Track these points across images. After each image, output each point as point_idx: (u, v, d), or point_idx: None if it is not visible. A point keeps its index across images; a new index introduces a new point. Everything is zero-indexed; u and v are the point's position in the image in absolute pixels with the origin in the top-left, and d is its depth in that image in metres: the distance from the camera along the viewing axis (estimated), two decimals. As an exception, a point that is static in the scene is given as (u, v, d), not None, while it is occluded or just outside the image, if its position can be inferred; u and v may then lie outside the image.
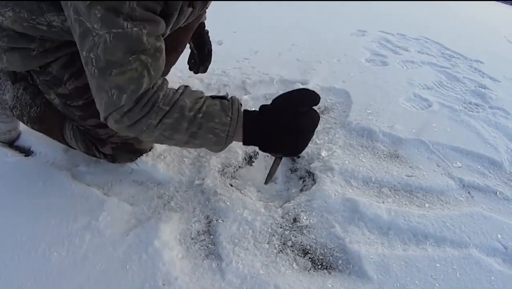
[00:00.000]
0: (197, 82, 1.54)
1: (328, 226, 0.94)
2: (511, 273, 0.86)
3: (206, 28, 1.26)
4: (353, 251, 0.87)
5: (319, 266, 0.86)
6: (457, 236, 0.92)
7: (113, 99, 0.66)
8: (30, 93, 0.98)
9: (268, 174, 0.95)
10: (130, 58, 0.63)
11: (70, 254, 0.82)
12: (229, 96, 0.78)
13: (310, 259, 0.87)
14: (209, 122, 0.72)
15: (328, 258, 0.88)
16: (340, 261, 0.87)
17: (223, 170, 1.12)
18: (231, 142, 0.77)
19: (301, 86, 1.50)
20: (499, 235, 0.95)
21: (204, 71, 1.30)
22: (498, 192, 1.10)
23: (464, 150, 1.26)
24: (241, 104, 0.78)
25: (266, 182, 0.98)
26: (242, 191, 1.04)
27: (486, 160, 1.24)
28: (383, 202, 1.02)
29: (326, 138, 1.28)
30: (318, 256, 0.88)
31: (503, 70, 2.10)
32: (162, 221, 0.89)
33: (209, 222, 0.94)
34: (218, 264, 0.83)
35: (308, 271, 0.85)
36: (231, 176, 1.11)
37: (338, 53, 1.99)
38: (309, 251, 0.89)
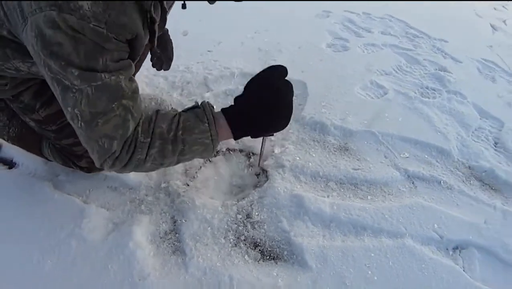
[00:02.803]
0: (162, 80, 1.59)
1: (276, 221, 1.03)
2: (444, 261, 0.97)
3: (166, 27, 1.26)
4: (297, 244, 0.97)
5: (268, 257, 0.96)
6: (394, 227, 1.02)
7: (104, 148, 0.72)
8: (6, 114, 1.04)
9: (260, 156, 1.13)
10: (113, 106, 0.69)
11: (61, 261, 0.92)
12: (199, 103, 0.84)
13: (260, 251, 0.97)
14: (190, 135, 0.78)
15: (275, 250, 0.98)
16: (285, 252, 0.97)
17: (186, 171, 1.20)
18: (219, 143, 0.84)
19: None
20: (435, 225, 1.04)
21: (167, 68, 1.34)
22: (442, 182, 1.19)
23: (413, 139, 1.34)
24: (212, 106, 0.83)
25: (259, 164, 1.18)
26: (202, 191, 1.13)
27: (435, 149, 1.32)
28: (328, 196, 1.10)
29: (280, 134, 1.34)
30: (267, 248, 0.98)
31: (467, 49, 2.16)
32: (134, 224, 0.99)
33: (175, 222, 1.04)
34: (182, 259, 0.94)
35: (258, 261, 0.95)
36: (193, 176, 1.18)
37: (300, 40, 2.02)
38: (259, 244, 0.99)
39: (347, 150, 1.29)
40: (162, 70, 1.36)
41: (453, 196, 1.15)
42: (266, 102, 0.80)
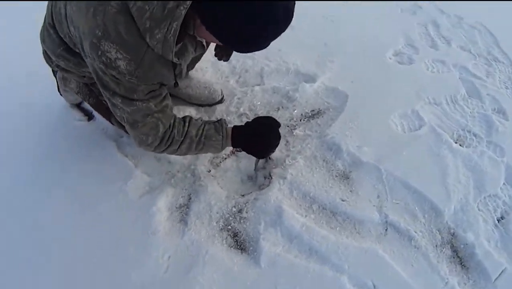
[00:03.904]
0: (225, 64, 1.86)
1: (257, 223, 1.32)
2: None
3: None
4: (261, 245, 1.25)
5: (238, 247, 1.28)
6: (339, 262, 1.22)
7: (143, 140, 1.10)
8: (87, 88, 1.42)
9: (255, 165, 1.46)
10: (147, 118, 1.04)
11: (111, 208, 1.33)
12: (219, 118, 1.24)
13: (235, 241, 1.30)
14: (209, 141, 1.18)
15: (245, 243, 1.29)
16: (251, 248, 1.27)
17: (212, 160, 1.52)
18: (225, 148, 1.25)
19: (308, 84, 1.75)
20: (376, 275, 1.20)
21: (226, 60, 1.55)
22: (413, 239, 1.29)
23: (414, 188, 1.41)
24: (226, 124, 1.23)
25: (254, 170, 1.48)
26: (218, 180, 1.46)
27: (429, 204, 1.38)
28: (305, 216, 1.34)
29: (299, 146, 1.55)
30: (241, 240, 1.30)
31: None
32: (162, 193, 1.37)
33: (189, 199, 1.39)
34: (183, 228, 1.31)
35: (230, 248, 1.28)
36: (216, 165, 1.51)
37: (368, 40, 2.00)
38: (237, 235, 1.31)
39: (347, 178, 1.46)
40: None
41: (414, 256, 1.25)
42: (257, 140, 1.23)
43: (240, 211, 1.36)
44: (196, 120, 1.21)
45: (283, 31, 0.89)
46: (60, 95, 1.56)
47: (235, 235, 1.31)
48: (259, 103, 1.73)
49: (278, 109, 1.72)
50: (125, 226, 1.29)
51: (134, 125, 1.06)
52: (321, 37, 2.01)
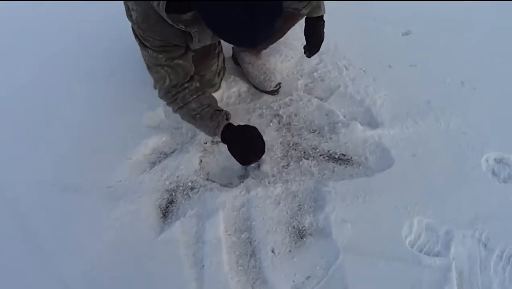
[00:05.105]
0: (310, 63, 1.78)
1: (189, 208, 1.34)
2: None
3: (322, 23, 1.38)
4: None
5: (163, 212, 1.35)
6: None
7: (154, 84, 1.26)
8: None
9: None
10: (158, 67, 1.17)
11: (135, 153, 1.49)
12: (224, 110, 1.27)
13: (166, 207, 1.36)
14: (202, 121, 1.24)
15: (170, 214, 1.34)
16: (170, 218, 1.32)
17: None
18: (215, 137, 1.30)
19: (363, 127, 1.52)
20: None
21: (309, 56, 1.51)
22: None
23: None
24: (227, 117, 1.25)
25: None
26: (213, 155, 1.53)
27: None
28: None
29: (291, 176, 1.41)
30: (169, 210, 1.36)
31: None
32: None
33: (200, 162, 1.49)
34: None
35: (159, 208, 1.37)
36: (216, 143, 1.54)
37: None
38: (171, 205, 1.37)
39: (301, 238, 1.26)
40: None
41: None
42: (235, 146, 1.21)
43: (192, 188, 1.39)
44: (206, 98, 1.26)
45: (246, 31, 0.84)
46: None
47: (169, 202, 1.38)
48: (302, 115, 1.59)
49: (314, 131, 1.54)
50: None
51: (149, 68, 1.20)
52: (425, 97, 1.61)
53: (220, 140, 1.25)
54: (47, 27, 1.95)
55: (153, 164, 1.47)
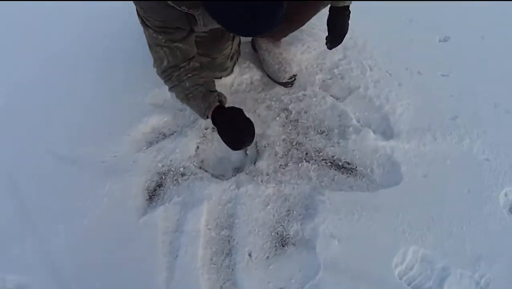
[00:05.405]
0: (333, 57, 1.65)
1: (176, 195, 1.31)
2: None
3: (347, 14, 1.28)
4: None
5: (149, 195, 1.33)
6: None
7: (154, 62, 1.20)
8: None
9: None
10: (157, 47, 1.13)
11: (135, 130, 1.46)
12: (218, 92, 1.21)
13: (154, 190, 1.34)
14: (194, 101, 1.18)
15: (155, 197, 1.32)
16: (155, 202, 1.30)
17: None
18: (206, 118, 1.19)
19: (375, 136, 1.41)
20: None
21: (330, 47, 1.40)
22: None
23: None
24: (219, 99, 1.19)
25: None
26: (210, 143, 1.48)
27: None
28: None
29: (287, 177, 1.33)
30: (155, 193, 1.33)
31: None
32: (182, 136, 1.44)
33: (197, 149, 1.45)
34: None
35: (146, 190, 1.35)
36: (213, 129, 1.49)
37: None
38: (158, 188, 1.34)
39: (282, 247, 1.19)
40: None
41: None
42: (224, 130, 1.15)
43: (183, 175, 1.35)
44: (201, 78, 1.20)
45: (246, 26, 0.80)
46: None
47: (158, 185, 1.34)
48: (312, 113, 1.48)
49: (321, 133, 1.44)
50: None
51: (150, 47, 1.16)
52: (452, 112, 1.43)
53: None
54: (47, 27, 1.89)
55: (150, 143, 1.44)
